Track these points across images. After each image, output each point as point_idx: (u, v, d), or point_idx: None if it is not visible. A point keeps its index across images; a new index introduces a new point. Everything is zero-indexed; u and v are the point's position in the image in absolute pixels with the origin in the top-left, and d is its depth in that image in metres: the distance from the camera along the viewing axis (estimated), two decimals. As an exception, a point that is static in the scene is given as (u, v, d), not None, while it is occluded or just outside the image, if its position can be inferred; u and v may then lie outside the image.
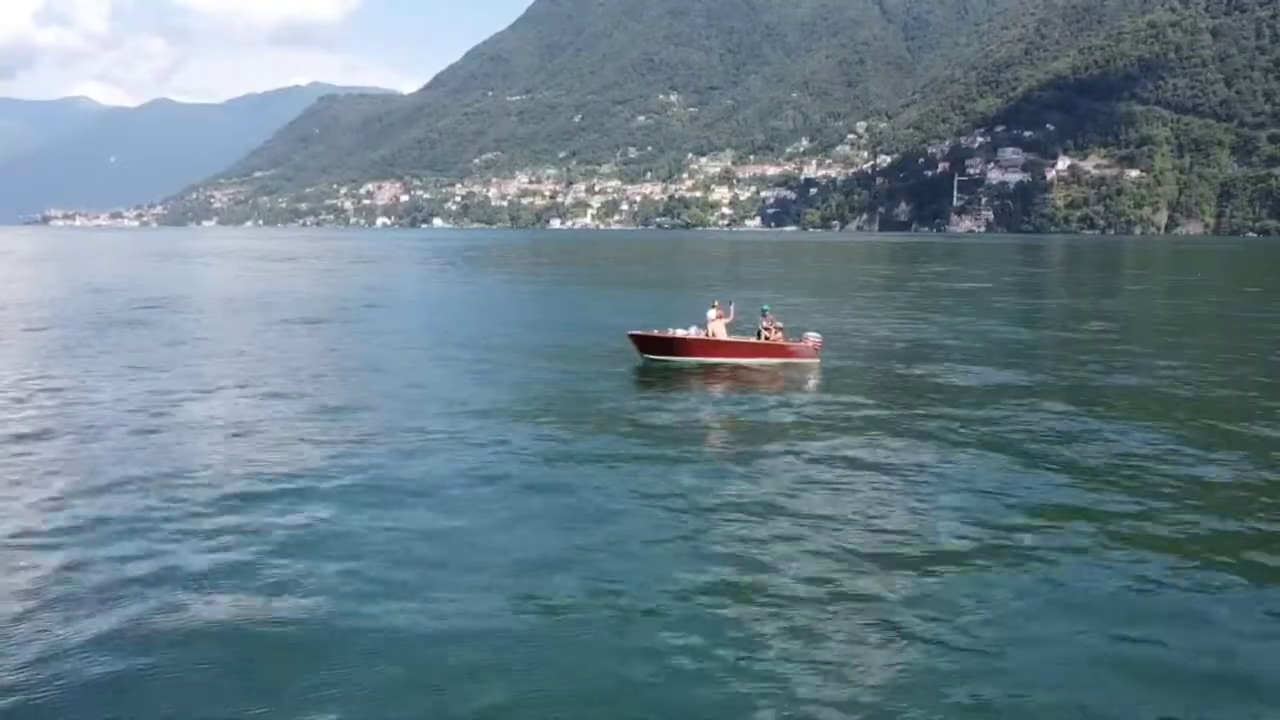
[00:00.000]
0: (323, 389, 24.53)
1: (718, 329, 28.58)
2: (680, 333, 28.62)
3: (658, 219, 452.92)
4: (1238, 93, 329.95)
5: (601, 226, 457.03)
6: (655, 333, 28.90)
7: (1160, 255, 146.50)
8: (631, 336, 29.05)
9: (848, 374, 27.41)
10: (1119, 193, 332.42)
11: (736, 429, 20.67)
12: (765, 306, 30.59)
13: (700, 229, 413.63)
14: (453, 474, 16.04)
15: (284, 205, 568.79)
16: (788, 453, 17.77)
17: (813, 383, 26.02)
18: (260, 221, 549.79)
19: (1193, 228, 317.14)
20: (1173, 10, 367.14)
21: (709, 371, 27.27)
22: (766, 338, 28.71)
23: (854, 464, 16.88)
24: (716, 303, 29.59)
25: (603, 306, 49.95)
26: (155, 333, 37.03)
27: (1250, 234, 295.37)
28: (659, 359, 28.32)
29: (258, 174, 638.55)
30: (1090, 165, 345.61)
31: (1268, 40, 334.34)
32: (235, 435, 18.90)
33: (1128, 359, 30.95)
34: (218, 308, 48.51)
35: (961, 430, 19.65)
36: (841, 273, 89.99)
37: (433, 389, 24.69)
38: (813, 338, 28.66)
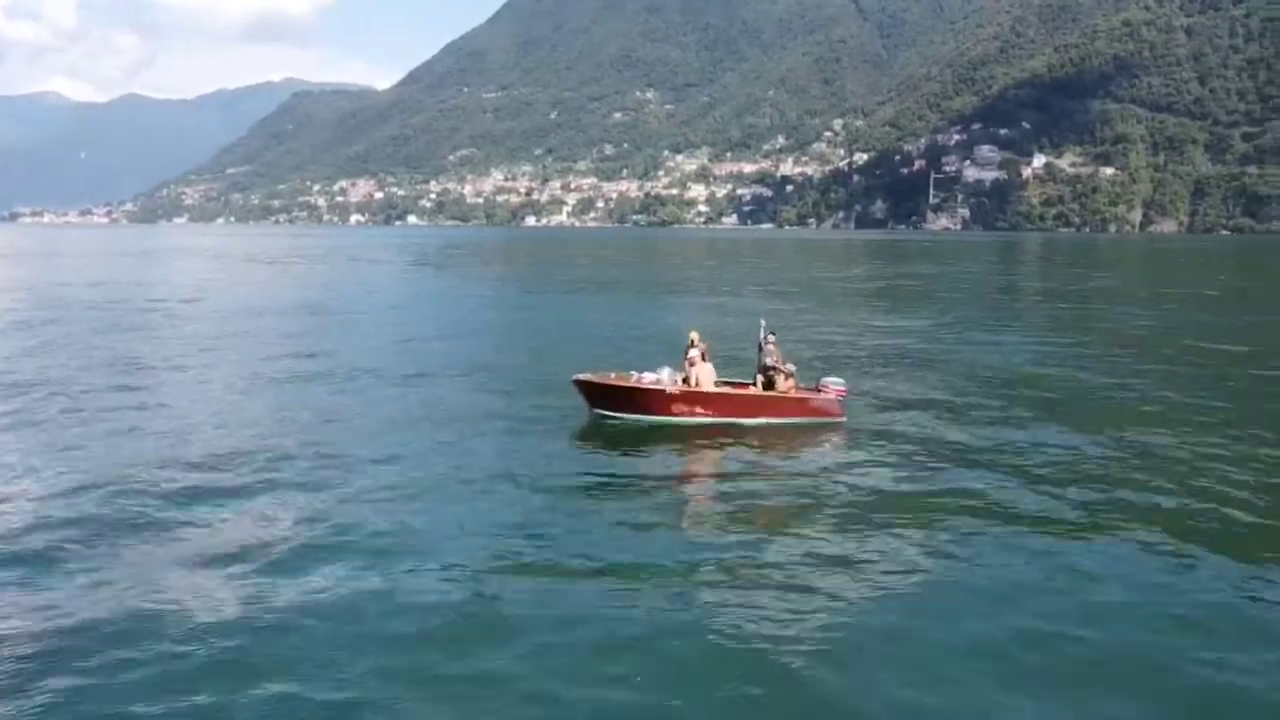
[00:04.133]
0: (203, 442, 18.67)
1: (702, 375, 20.39)
2: (648, 379, 20.39)
3: (634, 216, 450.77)
4: (1211, 91, 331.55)
5: (577, 224, 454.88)
6: (613, 378, 20.60)
7: (1157, 255, 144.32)
8: (579, 383, 20.66)
9: (883, 435, 19.47)
10: (1094, 191, 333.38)
11: (727, 571, 12.14)
12: (768, 327, 21.57)
13: (676, 226, 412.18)
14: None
15: (256, 202, 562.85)
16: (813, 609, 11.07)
17: (836, 453, 18.42)
18: (232, 219, 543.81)
19: (1167, 226, 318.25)
20: (1147, 9, 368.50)
21: (688, 436, 19.26)
22: (768, 382, 20.82)
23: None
24: (695, 337, 21.02)
25: (576, 317, 43.84)
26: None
27: (1224, 232, 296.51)
28: (616, 416, 20.20)
29: (230, 171, 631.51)
30: (1065, 163, 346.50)
31: (1241, 39, 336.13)
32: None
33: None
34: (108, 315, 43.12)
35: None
36: (827, 274, 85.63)
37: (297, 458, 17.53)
38: (834, 385, 20.61)
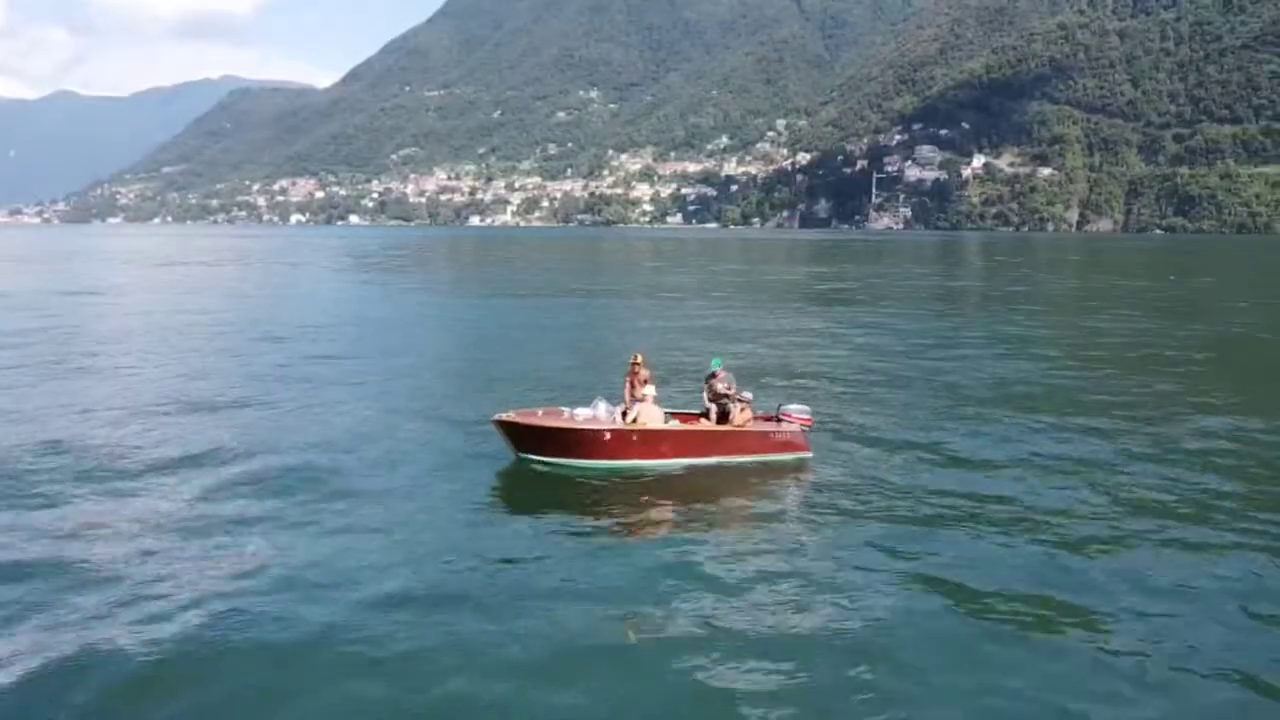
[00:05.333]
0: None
1: (646, 410, 17.03)
2: (581, 415, 16.92)
3: (579, 216, 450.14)
4: (1144, 93, 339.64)
5: (522, 223, 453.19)
6: (540, 416, 17.07)
7: (1103, 254, 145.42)
8: (500, 425, 16.86)
9: (854, 470, 16.89)
10: (1032, 190, 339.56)
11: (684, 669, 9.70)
12: (716, 360, 18.75)
13: (621, 226, 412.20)
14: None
15: (194, 202, 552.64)
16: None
17: (805, 495, 15.77)
18: (169, 219, 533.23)
19: (1103, 225, 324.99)
20: (1081, 12, 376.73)
21: (630, 483, 16.01)
22: (722, 412, 17.89)
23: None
24: (638, 360, 18.51)
25: (509, 329, 38.90)
26: None
27: (1157, 231, 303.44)
28: (546, 461, 16.70)
29: (166, 170, 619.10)
30: (1004, 163, 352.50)
31: (1171, 42, 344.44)
32: None
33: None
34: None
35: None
36: (773, 276, 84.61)
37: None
38: (797, 413, 17.73)
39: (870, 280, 75.31)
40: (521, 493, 15.92)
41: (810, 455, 17.54)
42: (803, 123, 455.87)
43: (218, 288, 65.54)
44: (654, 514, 14.86)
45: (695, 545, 13.12)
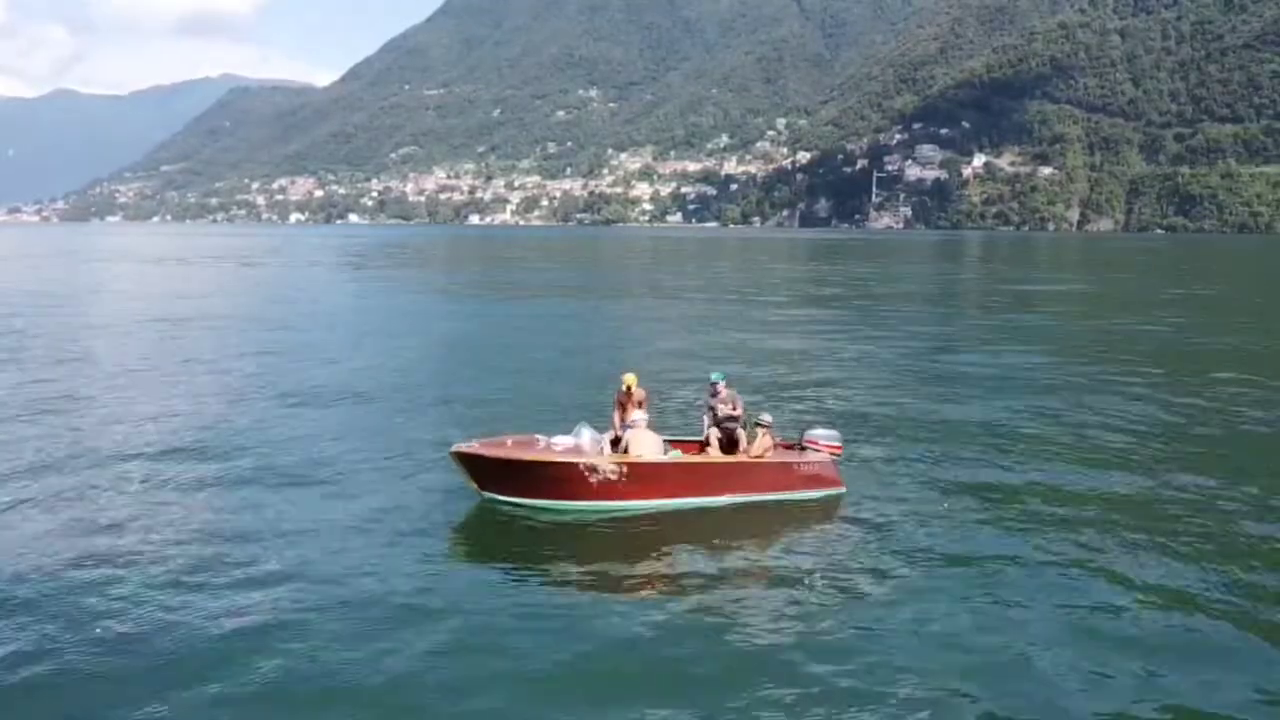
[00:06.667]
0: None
1: (640, 439, 14.04)
2: (560, 445, 13.89)
3: (578, 215, 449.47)
4: (1145, 92, 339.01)
5: (521, 222, 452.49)
6: (509, 446, 13.95)
7: (1112, 254, 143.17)
8: (460, 457, 13.73)
9: (897, 510, 13.81)
10: (1033, 189, 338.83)
11: None
12: (717, 374, 15.77)
13: (621, 225, 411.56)
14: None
15: (193, 201, 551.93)
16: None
17: (842, 547, 12.48)
18: (168, 218, 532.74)
19: (1103, 225, 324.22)
20: (1082, 11, 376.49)
21: (621, 530, 13.03)
22: (728, 438, 14.88)
23: None
24: (631, 382, 15.12)
25: (497, 333, 36.16)
26: None
27: (1158, 230, 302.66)
28: (516, 502, 13.59)
29: (165, 168, 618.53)
30: (1005, 163, 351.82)
31: (1173, 41, 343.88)
32: None
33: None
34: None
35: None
36: (778, 276, 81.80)
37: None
38: (825, 440, 14.75)
39: (884, 280, 73.91)
40: (482, 543, 12.84)
41: (844, 491, 14.40)
42: (803, 122, 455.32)
43: (218, 288, 64.16)
44: (648, 571, 11.79)
45: (705, 618, 10.20)
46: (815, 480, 14.47)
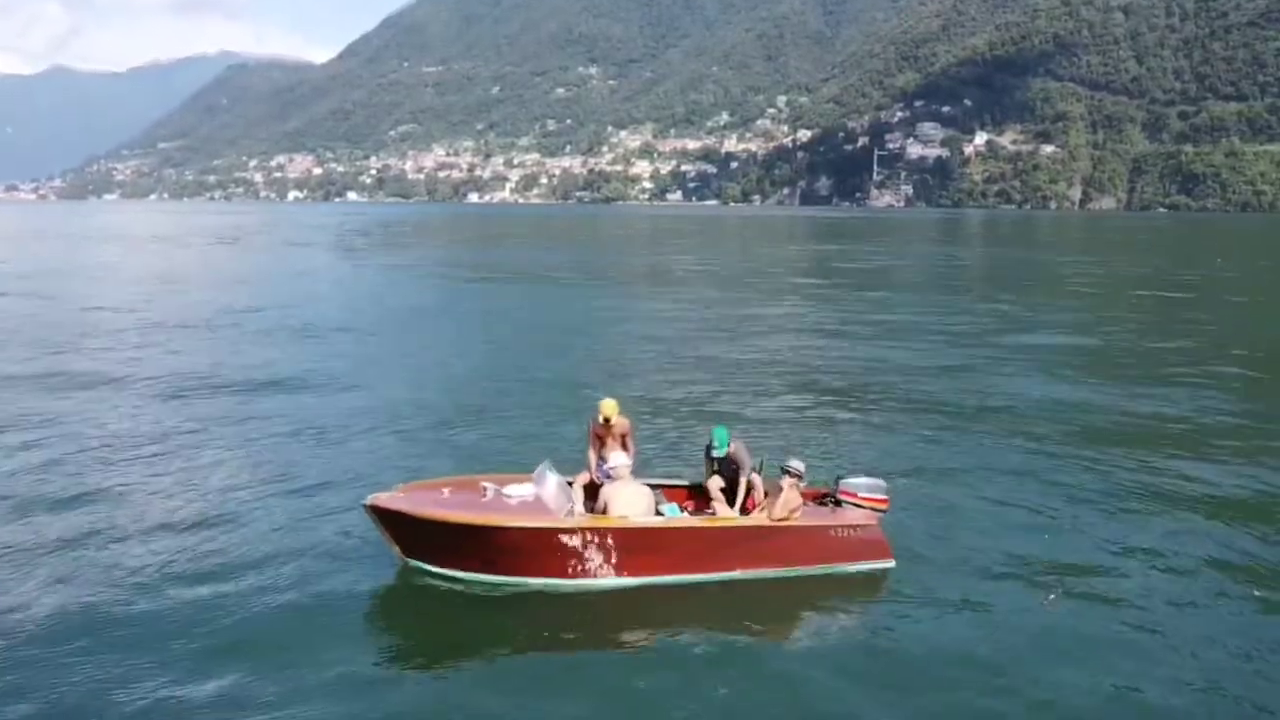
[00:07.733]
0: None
1: (620, 498, 10.55)
2: (515, 497, 10.56)
3: (578, 193, 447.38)
4: (1148, 70, 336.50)
5: (520, 200, 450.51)
6: (444, 497, 10.50)
7: (1124, 233, 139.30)
8: (377, 513, 10.32)
9: (958, 596, 10.12)
10: (1035, 168, 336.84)
11: None
12: (721, 431, 11.38)
13: (621, 203, 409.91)
14: None
15: (190, 178, 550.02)
16: None
17: (893, 656, 8.94)
18: (166, 195, 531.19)
19: (1106, 203, 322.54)
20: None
21: (592, 613, 9.82)
22: (729, 482, 11.45)
23: None
24: (611, 411, 11.51)
25: (478, 328, 31.66)
26: None
27: (1161, 209, 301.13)
28: (449, 574, 10.25)
29: (162, 146, 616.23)
30: (1007, 141, 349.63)
31: (1177, 19, 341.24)
32: None
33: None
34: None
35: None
36: (782, 261, 77.16)
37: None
38: (865, 491, 11.16)
39: (894, 262, 72.73)
40: (406, 620, 9.89)
41: (893, 565, 10.80)
42: (804, 99, 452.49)
43: (196, 271, 63.10)
44: (632, 684, 8.42)
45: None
46: (854, 549, 10.76)
